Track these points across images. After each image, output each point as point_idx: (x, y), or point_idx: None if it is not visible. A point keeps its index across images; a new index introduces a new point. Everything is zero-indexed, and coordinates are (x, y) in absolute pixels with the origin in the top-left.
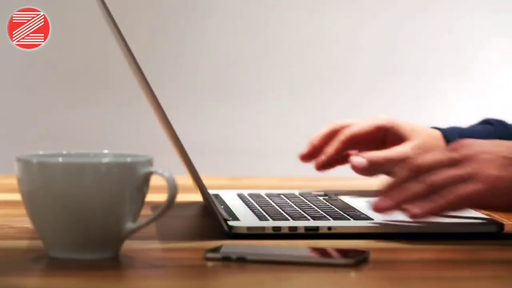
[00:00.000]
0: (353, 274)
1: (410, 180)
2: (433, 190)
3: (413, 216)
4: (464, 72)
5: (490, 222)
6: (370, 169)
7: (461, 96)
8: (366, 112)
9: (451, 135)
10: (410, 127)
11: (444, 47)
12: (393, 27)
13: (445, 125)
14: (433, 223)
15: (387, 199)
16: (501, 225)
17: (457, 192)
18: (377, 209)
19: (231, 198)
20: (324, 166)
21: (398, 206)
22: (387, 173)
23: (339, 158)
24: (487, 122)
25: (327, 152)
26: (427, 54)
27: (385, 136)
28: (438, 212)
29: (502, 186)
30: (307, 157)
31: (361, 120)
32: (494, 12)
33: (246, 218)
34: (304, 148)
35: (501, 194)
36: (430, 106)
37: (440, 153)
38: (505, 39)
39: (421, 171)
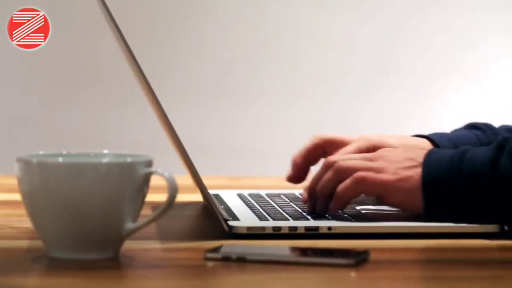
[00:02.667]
0: (353, 274)
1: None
2: (342, 176)
3: (330, 210)
4: (462, 72)
5: (490, 222)
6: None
7: (459, 95)
8: (365, 111)
9: (441, 142)
10: (399, 143)
11: (442, 46)
12: (391, 27)
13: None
14: (433, 223)
15: (308, 199)
16: (501, 225)
17: (365, 174)
18: (309, 212)
19: (231, 198)
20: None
21: (321, 198)
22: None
23: None
24: (474, 127)
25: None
26: (425, 54)
27: None
28: (349, 193)
29: (404, 183)
30: (293, 179)
31: (346, 138)
32: (491, 11)
33: (246, 218)
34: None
35: (403, 191)
36: (427, 106)
37: (355, 153)
38: (503, 37)
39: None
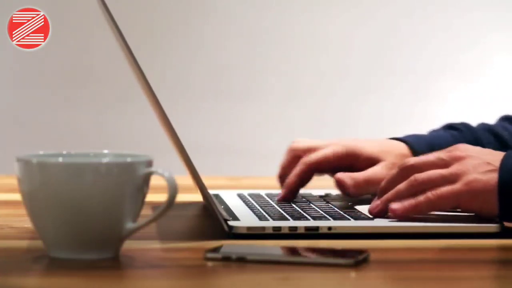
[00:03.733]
0: (353, 274)
1: (400, 180)
2: (417, 188)
3: (392, 212)
4: (460, 71)
5: (490, 222)
6: (352, 187)
7: (457, 94)
8: (364, 111)
9: (418, 145)
10: (377, 148)
11: (439, 46)
12: (389, 27)
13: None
14: (433, 223)
15: (377, 200)
16: (501, 225)
17: (437, 192)
18: (371, 212)
19: (231, 198)
20: (287, 198)
21: (385, 205)
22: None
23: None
24: (451, 127)
25: (287, 185)
26: (423, 53)
27: (352, 162)
28: (418, 210)
29: (479, 189)
30: (288, 199)
31: (321, 143)
32: (489, 10)
33: (246, 218)
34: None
35: (478, 197)
36: (425, 105)
37: (432, 155)
38: (500, 36)
39: (411, 170)
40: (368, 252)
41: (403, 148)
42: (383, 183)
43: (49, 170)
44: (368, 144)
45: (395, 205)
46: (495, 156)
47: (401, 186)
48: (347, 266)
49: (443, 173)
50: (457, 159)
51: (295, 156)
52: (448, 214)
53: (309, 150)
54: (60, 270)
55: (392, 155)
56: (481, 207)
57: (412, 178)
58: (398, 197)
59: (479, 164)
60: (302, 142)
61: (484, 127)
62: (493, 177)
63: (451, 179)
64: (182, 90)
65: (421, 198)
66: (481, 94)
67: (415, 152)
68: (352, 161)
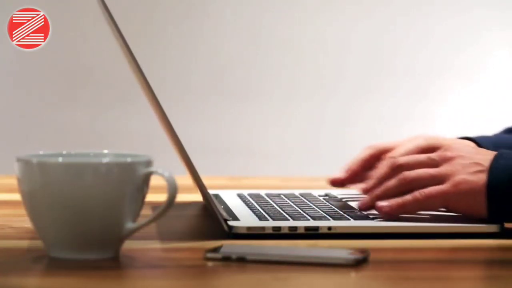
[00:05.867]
0: (353, 274)
1: (389, 178)
2: (406, 187)
3: (379, 209)
4: (459, 70)
5: (490, 222)
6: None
7: (457, 94)
8: (364, 110)
9: (485, 145)
10: (450, 143)
11: (439, 45)
12: (388, 26)
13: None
14: (433, 223)
15: (367, 196)
16: (501, 225)
17: (425, 192)
18: (360, 208)
19: (231, 198)
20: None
21: (373, 202)
22: None
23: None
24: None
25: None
26: (423, 53)
27: None
28: (405, 210)
29: (466, 190)
30: (340, 182)
31: (399, 142)
32: (488, 9)
33: (246, 218)
34: (337, 171)
35: (466, 198)
36: (425, 105)
37: (422, 155)
38: (500, 35)
39: (400, 169)
40: (368, 252)
41: (474, 145)
42: (372, 181)
43: (49, 170)
44: (443, 140)
45: (382, 203)
46: (486, 156)
47: (390, 183)
48: (347, 266)
49: (432, 172)
50: (447, 159)
51: (374, 153)
52: (448, 214)
53: (390, 148)
54: (60, 270)
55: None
56: (469, 208)
57: (401, 176)
58: (387, 194)
59: (468, 164)
60: (379, 143)
61: None
62: (482, 177)
63: (440, 179)
64: (182, 90)
65: (408, 197)
66: (481, 94)
67: None
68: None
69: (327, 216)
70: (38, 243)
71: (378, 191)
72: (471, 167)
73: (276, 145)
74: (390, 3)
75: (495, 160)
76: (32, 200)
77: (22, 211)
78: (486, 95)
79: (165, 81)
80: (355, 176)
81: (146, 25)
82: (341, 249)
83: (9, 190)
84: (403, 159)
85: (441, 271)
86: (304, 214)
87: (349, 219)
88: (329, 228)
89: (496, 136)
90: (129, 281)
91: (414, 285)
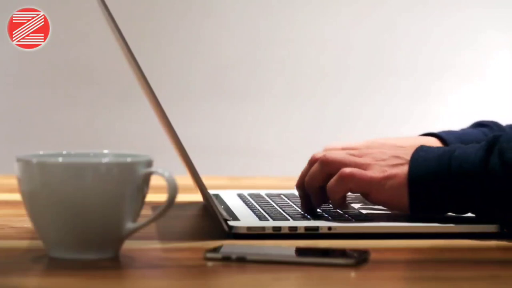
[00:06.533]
0: (353, 274)
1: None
2: (328, 168)
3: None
4: (460, 70)
5: (490, 222)
6: None
7: (457, 94)
8: (364, 110)
9: (449, 139)
10: (411, 143)
11: (439, 45)
12: (388, 26)
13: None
14: (433, 223)
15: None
16: (500, 225)
17: (350, 170)
18: (303, 209)
19: (231, 198)
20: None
21: (311, 192)
22: None
23: None
24: (481, 125)
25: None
26: (423, 53)
27: None
28: (334, 190)
29: (389, 181)
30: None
31: (356, 144)
32: (488, 8)
33: (246, 218)
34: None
35: (389, 189)
36: (425, 104)
37: (342, 151)
38: (500, 35)
39: (319, 161)
40: (368, 252)
41: (435, 142)
42: (298, 179)
43: (49, 170)
44: (401, 141)
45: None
46: (406, 150)
47: (315, 168)
48: (347, 266)
49: (355, 159)
50: (367, 153)
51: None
52: (448, 215)
53: (346, 149)
54: (60, 270)
55: None
56: (391, 200)
57: (323, 158)
58: (313, 179)
59: (389, 157)
60: (335, 144)
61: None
62: (403, 169)
63: (363, 168)
64: (182, 90)
65: (334, 177)
66: (481, 94)
67: (447, 146)
68: None
69: (327, 216)
70: (38, 243)
71: (306, 179)
72: (392, 160)
73: (276, 145)
74: (390, 3)
75: (415, 153)
76: (32, 200)
77: (22, 211)
78: (486, 95)
79: (165, 81)
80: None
81: (146, 25)
82: (341, 249)
83: (9, 190)
84: (321, 154)
85: (441, 271)
86: (304, 214)
87: (349, 219)
88: (329, 228)
89: (462, 131)
90: (129, 281)
91: (414, 285)
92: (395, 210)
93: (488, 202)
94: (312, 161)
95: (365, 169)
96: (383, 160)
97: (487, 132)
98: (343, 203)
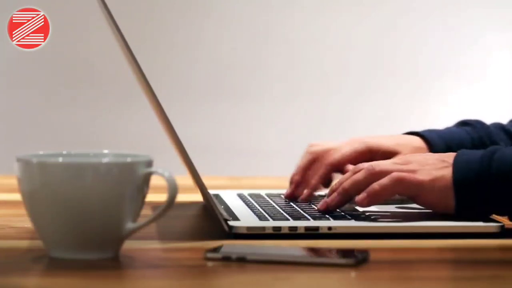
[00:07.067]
0: (353, 274)
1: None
2: (374, 178)
3: (360, 201)
4: (460, 70)
5: (490, 222)
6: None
7: (457, 94)
8: (364, 110)
9: (432, 138)
10: (394, 142)
11: (439, 45)
12: (388, 26)
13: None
14: (433, 223)
15: (334, 193)
16: (501, 225)
17: (400, 174)
18: (328, 204)
19: (231, 198)
20: (309, 199)
21: (342, 195)
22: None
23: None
24: (464, 123)
25: (311, 186)
26: (423, 53)
27: (371, 158)
28: (383, 193)
29: (437, 183)
30: (292, 195)
31: (338, 144)
32: (488, 8)
33: (246, 218)
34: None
35: (437, 191)
36: (425, 105)
37: (386, 160)
38: (500, 35)
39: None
40: (368, 252)
41: (418, 141)
42: (337, 182)
43: (49, 170)
44: (385, 139)
45: (360, 196)
46: (449, 155)
47: (358, 175)
48: (347, 266)
49: (402, 167)
50: (412, 160)
51: (313, 158)
52: (448, 214)
53: (328, 151)
54: (60, 270)
55: (408, 148)
56: (438, 202)
57: (369, 167)
58: (356, 186)
59: (433, 162)
60: (320, 144)
61: (497, 125)
62: (449, 171)
63: (411, 173)
64: (182, 90)
65: (385, 179)
66: (481, 94)
67: (430, 145)
68: (371, 156)
69: (327, 216)
70: (38, 243)
71: (346, 184)
72: (437, 163)
73: (276, 145)
74: (390, 3)
75: (458, 156)
76: (32, 200)
77: (22, 211)
78: (486, 95)
79: (165, 81)
80: (299, 186)
81: (146, 25)
82: (341, 249)
83: (9, 190)
84: (367, 163)
85: (441, 271)
86: (304, 214)
87: (349, 219)
88: (329, 228)
89: (446, 130)
90: (129, 281)
91: (414, 285)
92: (441, 211)
93: None
94: (357, 170)
95: (413, 173)
96: (428, 164)
97: (470, 131)
98: (376, 204)
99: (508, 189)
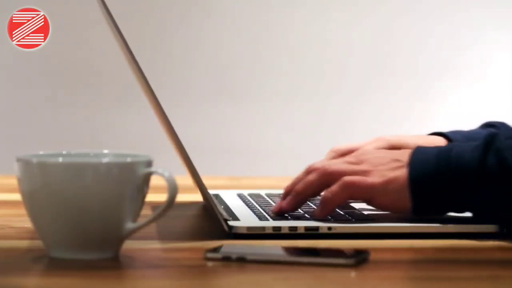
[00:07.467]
0: (353, 274)
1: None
2: (327, 179)
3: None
4: (460, 70)
5: (490, 222)
6: None
7: (457, 94)
8: (363, 110)
9: (455, 139)
10: (421, 141)
11: (439, 45)
12: (388, 27)
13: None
14: (433, 223)
15: (289, 196)
16: (500, 225)
17: (351, 179)
18: (283, 207)
19: (231, 198)
20: None
21: (296, 199)
22: None
23: None
24: (489, 125)
25: None
26: (423, 53)
27: None
28: (332, 199)
29: (391, 184)
30: None
31: (361, 143)
32: (488, 8)
33: (246, 218)
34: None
35: (391, 192)
36: (424, 105)
37: (339, 159)
38: (500, 35)
39: (316, 169)
40: (368, 252)
41: (442, 142)
42: (289, 184)
43: (49, 170)
44: (409, 139)
45: (315, 211)
46: (403, 153)
47: (310, 176)
48: (347, 266)
49: (355, 168)
50: (365, 159)
51: (336, 156)
52: (447, 215)
53: (351, 150)
54: (60, 270)
55: None
56: (394, 203)
57: (322, 168)
58: (309, 189)
59: (387, 161)
60: (344, 144)
61: None
62: (403, 172)
63: (363, 175)
64: (182, 90)
65: (334, 186)
66: (481, 94)
67: None
68: None
69: (327, 216)
70: (38, 243)
71: (299, 186)
72: (391, 164)
73: (276, 145)
74: (390, 3)
75: (413, 155)
76: (32, 200)
77: (22, 211)
78: (486, 95)
79: (165, 81)
80: None
81: (146, 25)
82: (341, 249)
83: (9, 190)
84: (320, 163)
85: (441, 271)
86: (304, 214)
87: (349, 219)
88: (329, 228)
89: (471, 131)
90: (129, 281)
91: (414, 285)
92: (398, 213)
93: (484, 202)
94: (310, 170)
95: (365, 176)
96: (382, 164)
97: (494, 132)
98: (331, 212)
99: (465, 187)
